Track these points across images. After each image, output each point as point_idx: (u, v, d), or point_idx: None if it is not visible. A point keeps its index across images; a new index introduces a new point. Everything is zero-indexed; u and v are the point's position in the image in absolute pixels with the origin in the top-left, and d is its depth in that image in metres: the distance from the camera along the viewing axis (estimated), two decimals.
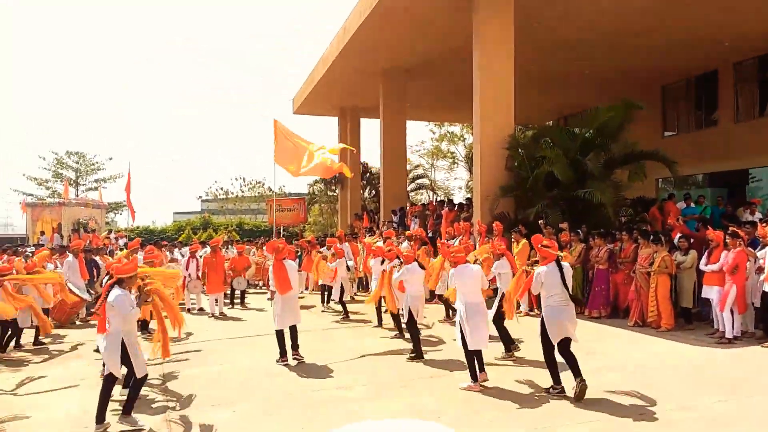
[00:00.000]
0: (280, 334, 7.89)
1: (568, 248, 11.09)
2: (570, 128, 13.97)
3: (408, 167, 28.04)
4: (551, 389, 6.11)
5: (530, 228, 11.65)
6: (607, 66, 18.08)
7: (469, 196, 24.62)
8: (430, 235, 14.29)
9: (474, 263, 7.10)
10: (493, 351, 7.27)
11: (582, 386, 5.83)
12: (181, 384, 6.92)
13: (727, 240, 8.56)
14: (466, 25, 13.45)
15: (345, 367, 7.52)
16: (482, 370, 6.49)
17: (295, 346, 7.91)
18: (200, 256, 12.64)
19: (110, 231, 22.12)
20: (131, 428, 5.46)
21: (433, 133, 36.68)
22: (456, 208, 16.32)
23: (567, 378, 6.10)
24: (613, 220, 12.06)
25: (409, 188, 29.15)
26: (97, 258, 12.48)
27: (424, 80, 19.32)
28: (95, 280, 11.30)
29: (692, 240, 9.89)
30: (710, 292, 8.72)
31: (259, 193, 34.99)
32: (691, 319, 9.37)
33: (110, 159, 40.63)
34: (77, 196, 34.12)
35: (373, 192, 27.67)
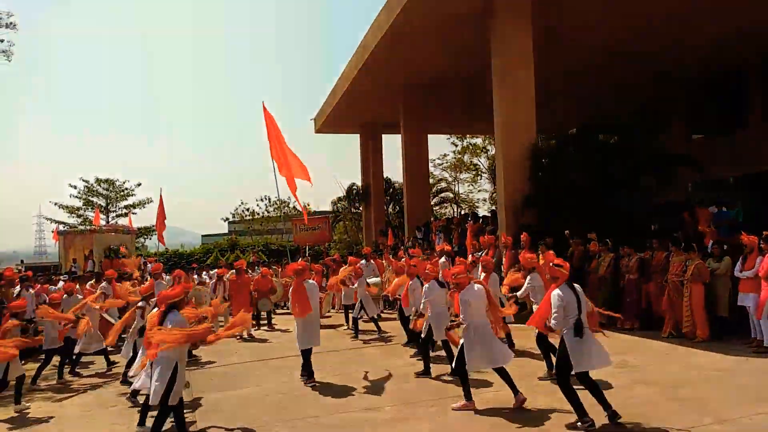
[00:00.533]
0: (305, 353, 7.93)
1: (597, 258, 10.90)
2: (594, 135, 13.75)
3: (431, 181, 27.98)
4: (579, 424, 5.42)
5: (557, 239, 11.49)
6: (630, 69, 17.83)
7: (493, 208, 24.43)
8: (455, 249, 14.19)
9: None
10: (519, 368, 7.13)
11: (616, 422, 5.38)
12: (209, 408, 6.93)
13: (761, 245, 8.29)
14: (485, 37, 13.46)
15: (373, 387, 7.45)
16: (516, 392, 6.16)
17: (310, 371, 7.93)
18: (227, 279, 12.76)
19: (140, 256, 22.48)
20: None
21: (455, 145, 36.64)
22: (480, 221, 16.19)
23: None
24: (642, 228, 11.79)
25: (432, 202, 29.09)
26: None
27: (445, 94, 19.33)
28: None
29: (725, 246, 9.61)
30: (746, 299, 8.46)
31: (284, 212, 35.30)
32: (728, 328, 9.05)
33: (139, 185, 41.49)
34: (108, 222, 34.88)
35: (397, 207, 27.67)
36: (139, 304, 8.04)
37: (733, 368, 7.36)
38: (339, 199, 29.72)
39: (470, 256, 12.98)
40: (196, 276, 13.94)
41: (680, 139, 19.26)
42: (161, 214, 23.39)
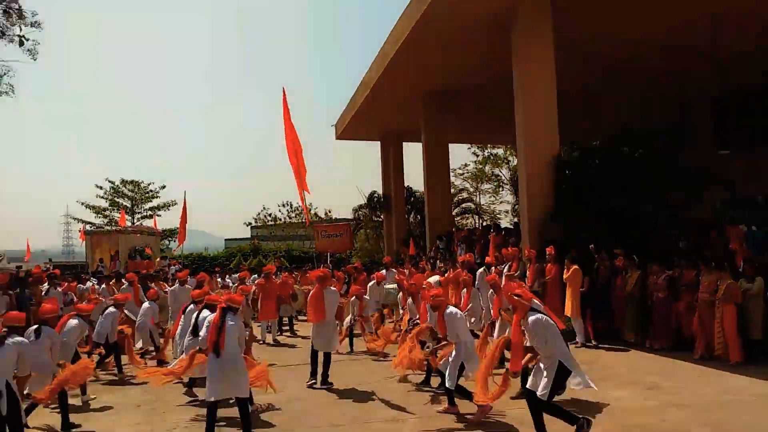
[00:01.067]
0: (313, 353, 8.31)
1: (624, 275, 10.72)
2: (619, 148, 13.57)
3: (452, 191, 27.85)
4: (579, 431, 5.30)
5: (582, 253, 11.33)
6: (655, 82, 17.59)
7: (515, 220, 24.22)
8: (477, 261, 14.08)
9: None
10: None
11: None
12: (230, 413, 6.91)
13: None
14: (506, 46, 13.39)
15: (396, 398, 7.38)
16: (454, 404, 6.58)
17: (324, 374, 8.15)
18: (250, 283, 12.81)
19: (164, 258, 22.73)
20: None
21: (476, 155, 36.49)
22: (503, 233, 16.06)
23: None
24: (669, 245, 11.57)
25: (454, 212, 28.93)
26: (152, 284, 12.82)
27: (466, 102, 19.26)
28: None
29: (757, 265, 9.36)
30: None
31: (305, 219, 35.41)
32: (763, 351, 8.78)
33: (163, 187, 42.02)
34: (133, 223, 35.37)
35: (419, 217, 27.58)
36: (191, 307, 8.22)
37: None
38: (360, 206, 29.72)
39: (493, 268, 12.86)
40: (219, 279, 14.04)
41: (706, 154, 18.90)
42: (183, 218, 23.58)
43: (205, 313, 6.94)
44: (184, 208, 22.53)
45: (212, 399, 5.81)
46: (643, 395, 7.06)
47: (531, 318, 5.33)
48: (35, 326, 6.30)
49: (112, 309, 9.04)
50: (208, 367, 5.88)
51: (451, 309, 6.59)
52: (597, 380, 7.82)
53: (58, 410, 6.62)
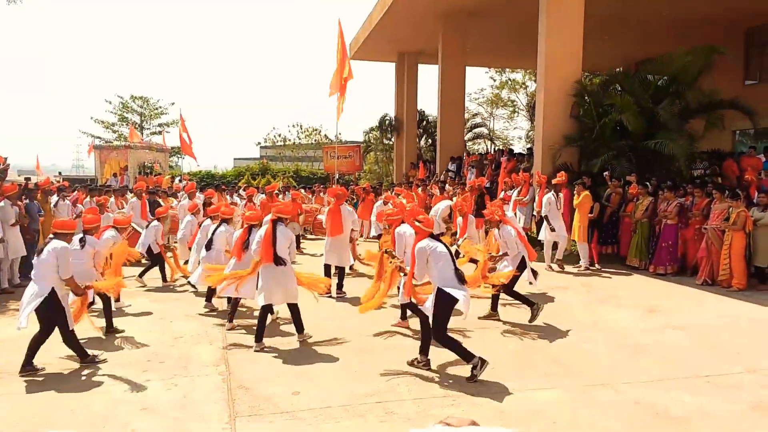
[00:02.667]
0: (327, 268, 8.60)
1: (635, 201, 10.61)
2: (642, 74, 13.10)
3: (466, 116, 27.29)
4: (473, 370, 5.16)
5: (594, 180, 11.19)
6: (684, 7, 16.68)
7: (529, 146, 23.82)
8: (487, 185, 13.94)
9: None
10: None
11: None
12: (236, 322, 7.08)
13: None
14: None
15: (396, 314, 7.48)
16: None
17: (339, 285, 8.50)
18: (256, 202, 12.84)
19: (173, 177, 22.78)
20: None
21: (494, 80, 35.47)
22: (515, 158, 15.83)
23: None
24: (685, 173, 11.36)
25: (466, 137, 28.50)
26: (159, 200, 12.90)
27: (486, 23, 18.45)
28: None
29: None
30: None
31: (315, 140, 35.10)
32: (766, 279, 8.82)
33: (172, 104, 41.68)
34: (142, 139, 35.30)
35: (430, 141, 27.22)
36: (188, 218, 9.05)
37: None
38: (371, 129, 29.29)
39: (502, 193, 12.76)
40: (228, 197, 14.10)
41: (733, 84, 18.20)
42: (186, 133, 23.48)
43: (223, 227, 7.59)
44: (183, 125, 22.46)
45: (266, 303, 6.21)
46: (642, 317, 7.13)
47: (417, 245, 5.30)
48: (80, 235, 6.42)
49: (156, 222, 9.26)
50: (263, 276, 6.19)
51: (401, 227, 6.48)
52: (597, 302, 7.98)
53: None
